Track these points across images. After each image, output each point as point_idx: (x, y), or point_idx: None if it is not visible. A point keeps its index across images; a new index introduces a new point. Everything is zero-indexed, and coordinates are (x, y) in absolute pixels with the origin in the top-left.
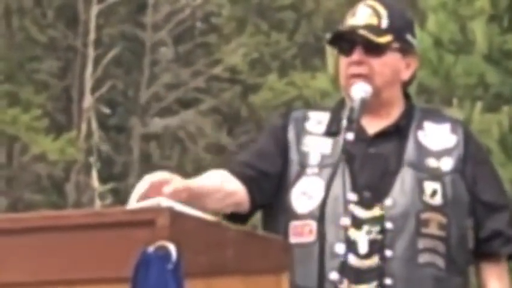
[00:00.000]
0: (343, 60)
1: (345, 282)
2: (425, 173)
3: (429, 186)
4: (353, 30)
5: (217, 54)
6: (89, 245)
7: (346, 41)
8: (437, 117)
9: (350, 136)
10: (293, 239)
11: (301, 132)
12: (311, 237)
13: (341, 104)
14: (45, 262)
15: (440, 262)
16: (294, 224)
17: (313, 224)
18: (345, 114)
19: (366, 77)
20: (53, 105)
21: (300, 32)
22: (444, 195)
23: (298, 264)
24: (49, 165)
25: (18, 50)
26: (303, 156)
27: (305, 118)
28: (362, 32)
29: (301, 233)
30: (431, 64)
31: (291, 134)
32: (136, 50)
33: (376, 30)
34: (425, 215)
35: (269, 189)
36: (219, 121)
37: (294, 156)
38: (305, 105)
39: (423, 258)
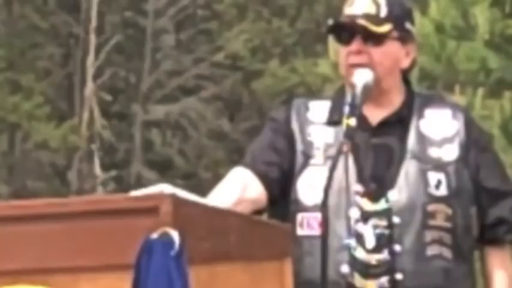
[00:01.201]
0: (343, 50)
1: (356, 275)
2: (428, 163)
3: (433, 177)
4: (352, 20)
5: (218, 41)
6: (92, 232)
7: (345, 30)
8: (438, 103)
9: (352, 122)
10: (301, 231)
11: (304, 122)
12: (319, 229)
13: (341, 91)
14: (48, 249)
15: (447, 253)
16: (301, 216)
17: (320, 216)
18: (347, 100)
19: (366, 67)
20: (54, 93)
21: (301, 18)
22: (449, 185)
23: (307, 256)
24: (51, 153)
25: (19, 37)
26: (307, 146)
27: (306, 108)
28: (361, 21)
29: (310, 225)
30: (433, 50)
31: (295, 125)
32: (137, 37)
33: (375, 19)
34: (431, 207)
35: (287, 186)
36: (220, 108)
37: (299, 146)
38: (307, 92)
39: (431, 250)
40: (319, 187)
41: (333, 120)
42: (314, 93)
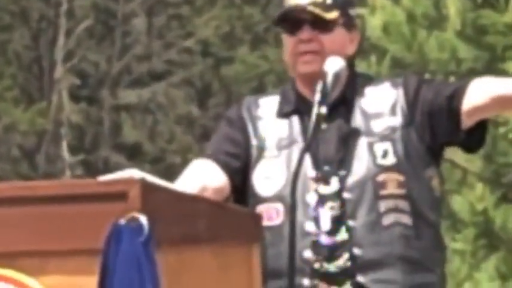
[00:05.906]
0: (290, 39)
1: (319, 260)
2: (374, 136)
3: (379, 147)
4: (301, 8)
5: (189, 26)
6: (61, 216)
7: (292, 20)
8: (378, 81)
9: (323, 110)
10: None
11: (255, 119)
12: (279, 220)
13: (290, 84)
14: (16, 233)
15: (406, 219)
16: (260, 208)
17: (279, 206)
18: (318, 88)
19: (317, 54)
20: (23, 76)
21: (273, 5)
22: (395, 152)
23: (269, 247)
24: (20, 136)
25: None
26: (261, 141)
27: (256, 105)
28: (310, 8)
29: (269, 216)
30: (404, 38)
31: (247, 122)
32: (108, 21)
33: (323, 6)
34: (381, 177)
35: (248, 177)
36: (190, 93)
37: (253, 141)
38: (277, 79)
39: (387, 219)
40: (275, 178)
41: (284, 113)
42: (283, 81)
